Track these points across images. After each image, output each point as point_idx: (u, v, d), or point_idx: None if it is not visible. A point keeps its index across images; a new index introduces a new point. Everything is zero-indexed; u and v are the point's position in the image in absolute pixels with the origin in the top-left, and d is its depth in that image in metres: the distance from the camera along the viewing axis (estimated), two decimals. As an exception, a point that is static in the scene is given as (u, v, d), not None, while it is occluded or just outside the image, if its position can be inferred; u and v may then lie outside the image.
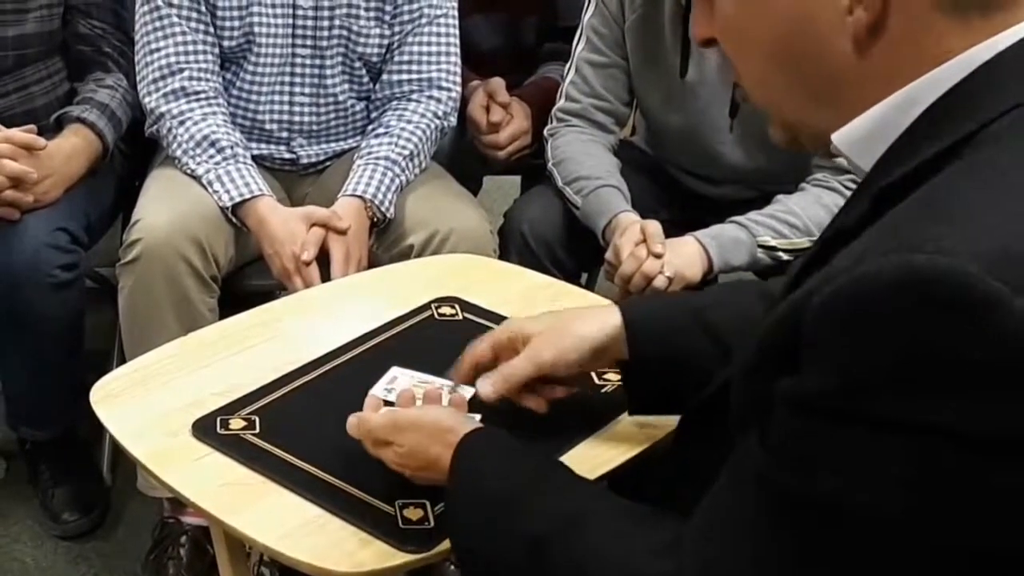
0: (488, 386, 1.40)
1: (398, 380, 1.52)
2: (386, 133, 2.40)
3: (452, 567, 2.20)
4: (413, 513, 1.28)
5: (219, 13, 2.34)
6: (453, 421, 1.28)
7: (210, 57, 2.35)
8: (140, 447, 1.41)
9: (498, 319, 1.69)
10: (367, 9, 2.38)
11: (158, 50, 2.33)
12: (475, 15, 2.75)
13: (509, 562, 1.10)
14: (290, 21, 2.35)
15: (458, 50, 2.47)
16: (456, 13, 2.46)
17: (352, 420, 1.33)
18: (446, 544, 1.24)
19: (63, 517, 2.46)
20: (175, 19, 2.32)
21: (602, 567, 1.03)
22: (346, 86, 2.44)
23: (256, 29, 2.34)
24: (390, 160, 2.34)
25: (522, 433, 1.26)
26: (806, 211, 2.22)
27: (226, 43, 2.36)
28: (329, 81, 2.42)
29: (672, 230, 2.23)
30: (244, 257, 2.33)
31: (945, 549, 0.84)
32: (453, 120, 2.48)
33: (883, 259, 0.82)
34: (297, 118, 2.44)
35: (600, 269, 2.49)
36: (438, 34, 2.44)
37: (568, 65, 2.49)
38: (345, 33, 2.39)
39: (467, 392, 1.42)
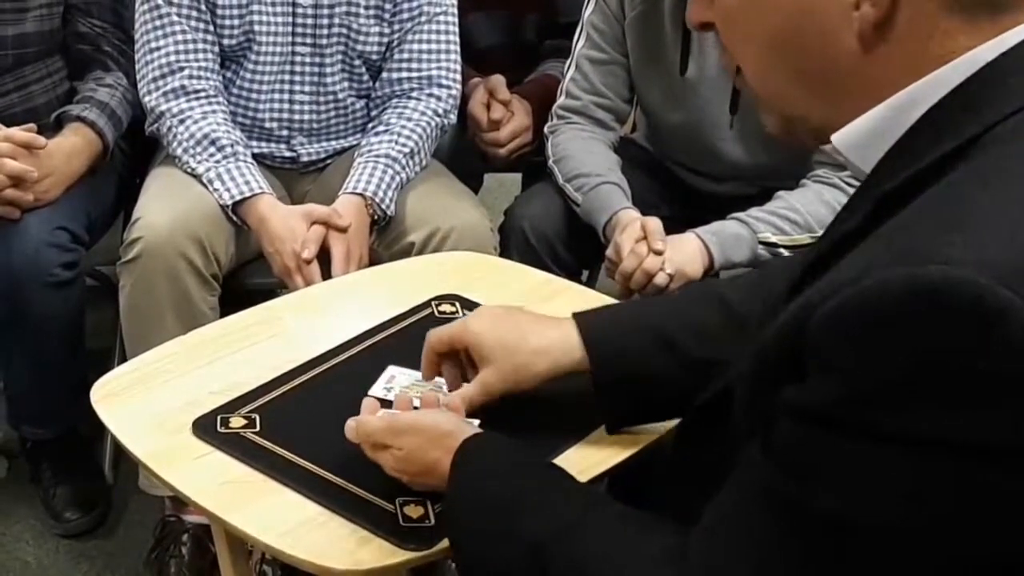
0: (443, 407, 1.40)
1: (396, 379, 1.52)
2: (386, 131, 2.39)
3: (453, 565, 2.20)
4: (414, 511, 1.28)
5: (219, 12, 2.34)
6: (452, 426, 1.28)
7: (210, 56, 2.35)
8: (141, 446, 1.41)
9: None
10: (367, 7, 2.38)
11: (158, 49, 2.33)
12: (475, 12, 2.75)
13: (509, 568, 1.10)
14: (290, 19, 2.35)
15: (458, 48, 2.47)
16: (456, 11, 2.46)
17: (350, 424, 1.33)
18: (447, 542, 1.24)
19: (65, 516, 2.46)
20: (175, 18, 2.32)
21: (603, 573, 1.03)
22: (346, 84, 2.44)
23: (256, 27, 2.34)
24: (390, 158, 2.34)
25: (519, 435, 1.26)
26: (807, 207, 2.22)
27: (226, 41, 2.36)
28: (329, 79, 2.42)
29: (673, 227, 2.23)
30: (245, 255, 2.33)
31: (952, 561, 0.83)
32: (453, 118, 2.48)
33: (892, 270, 0.81)
34: (297, 116, 2.44)
35: (601, 266, 2.49)
36: (438, 32, 2.43)
37: (568, 62, 2.49)
38: (345, 31, 2.38)
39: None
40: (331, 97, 2.44)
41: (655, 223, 2.18)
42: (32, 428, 2.49)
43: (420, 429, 1.28)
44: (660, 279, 2.13)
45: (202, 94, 2.33)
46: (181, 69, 2.33)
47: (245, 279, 2.38)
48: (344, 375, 1.55)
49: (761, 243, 2.21)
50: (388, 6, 2.40)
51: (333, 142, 2.50)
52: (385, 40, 2.43)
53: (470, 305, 1.73)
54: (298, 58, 2.39)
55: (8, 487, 2.59)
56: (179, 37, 2.33)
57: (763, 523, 0.91)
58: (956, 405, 0.79)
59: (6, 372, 2.40)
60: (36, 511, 2.50)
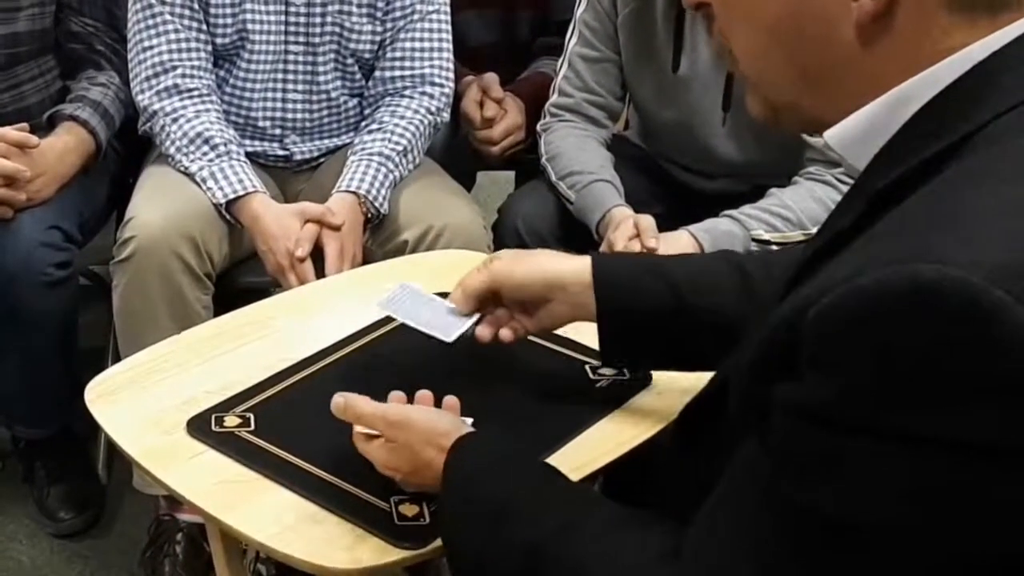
0: (452, 296, 1.49)
1: (404, 297, 1.56)
2: (379, 129, 2.39)
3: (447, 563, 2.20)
4: (409, 509, 1.28)
5: (212, 10, 2.34)
6: (447, 425, 1.28)
7: (203, 55, 2.35)
8: (135, 445, 1.41)
9: (492, 314, 1.69)
10: (359, 6, 2.38)
11: (151, 48, 2.33)
12: (468, 10, 2.75)
13: (504, 569, 1.10)
14: (283, 18, 2.35)
15: (450, 46, 2.47)
16: (448, 9, 2.46)
17: (338, 400, 1.33)
18: (441, 541, 1.24)
19: (59, 515, 2.46)
20: (167, 16, 2.32)
21: (599, 574, 1.03)
22: (339, 83, 2.44)
23: (249, 26, 2.34)
24: (384, 156, 2.34)
25: (514, 432, 1.26)
26: (799, 204, 2.22)
27: (219, 40, 2.36)
28: (322, 78, 2.41)
29: (665, 224, 2.23)
30: (238, 254, 2.33)
31: (949, 559, 0.83)
32: (446, 116, 2.49)
33: (885, 269, 0.81)
34: (290, 115, 2.44)
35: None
36: (430, 30, 2.43)
37: (561, 60, 2.49)
38: (337, 30, 2.38)
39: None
40: (324, 96, 2.44)
41: (648, 220, 2.18)
42: (25, 428, 2.49)
43: (412, 424, 1.28)
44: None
45: (195, 93, 2.33)
46: (174, 68, 2.33)
47: (238, 278, 2.37)
48: (338, 374, 1.55)
49: (754, 240, 2.21)
50: (381, 4, 2.40)
51: (326, 141, 2.50)
52: (378, 39, 2.43)
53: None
54: (291, 57, 2.39)
55: (1, 487, 2.59)
56: (172, 36, 2.33)
57: (759, 521, 0.91)
58: (949, 404, 0.79)
59: (-1, 372, 2.40)
60: (29, 511, 2.50)
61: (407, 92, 2.44)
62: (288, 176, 2.50)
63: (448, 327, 1.47)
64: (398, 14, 2.41)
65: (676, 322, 1.37)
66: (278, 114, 2.43)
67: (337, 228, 2.24)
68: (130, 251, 2.15)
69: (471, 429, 1.28)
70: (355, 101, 2.49)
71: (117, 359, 1.98)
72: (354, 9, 2.38)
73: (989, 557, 0.83)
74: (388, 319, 1.67)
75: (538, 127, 2.51)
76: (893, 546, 0.84)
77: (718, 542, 0.94)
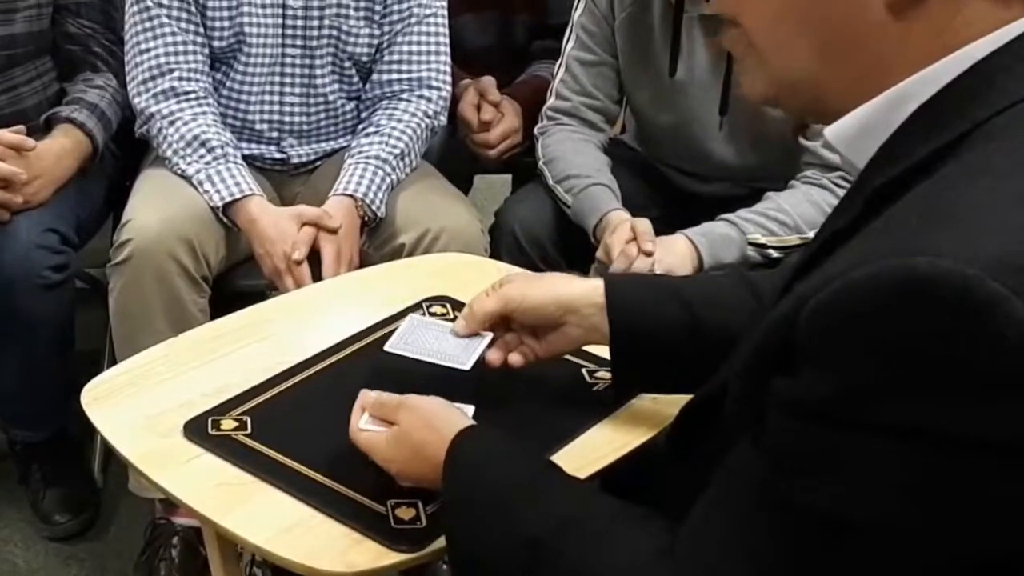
0: (461, 321, 1.46)
1: (415, 333, 1.53)
2: (376, 132, 2.40)
3: (445, 566, 2.20)
4: (405, 512, 1.28)
5: (209, 13, 2.34)
6: (444, 410, 1.28)
7: (200, 57, 2.35)
8: (131, 448, 1.41)
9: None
10: (356, 9, 2.38)
11: (148, 50, 2.33)
12: (465, 14, 2.75)
13: (504, 564, 1.10)
14: (280, 21, 2.35)
15: (448, 49, 2.47)
16: (445, 12, 2.47)
17: (371, 395, 1.34)
18: (438, 544, 1.24)
19: (54, 518, 2.46)
20: (165, 19, 2.32)
21: (597, 571, 1.03)
22: (336, 86, 2.44)
23: (246, 29, 2.34)
24: (381, 159, 2.34)
25: (513, 431, 1.26)
26: (795, 208, 2.23)
27: (216, 43, 2.36)
28: (319, 81, 2.42)
29: (662, 227, 2.23)
30: (235, 257, 2.33)
31: (944, 556, 0.84)
32: (443, 119, 2.49)
33: (882, 263, 0.81)
34: (287, 118, 2.44)
35: (591, 268, 2.49)
36: (427, 33, 2.44)
37: (558, 64, 2.49)
38: (335, 33, 2.39)
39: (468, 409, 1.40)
40: (321, 99, 2.44)
41: (644, 224, 2.18)
42: (21, 430, 2.49)
43: (412, 408, 1.28)
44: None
45: (192, 96, 2.33)
46: (171, 71, 2.33)
47: (235, 281, 2.37)
48: (335, 377, 1.55)
49: (750, 244, 2.21)
50: (378, 7, 2.40)
51: (323, 144, 2.50)
52: (375, 42, 2.43)
53: (461, 306, 1.71)
54: (288, 60, 2.39)
55: (-3, 490, 2.59)
56: (169, 39, 2.33)
57: (753, 519, 0.91)
58: (945, 397, 0.80)
59: (-5, 374, 2.40)
60: (25, 514, 2.50)
61: (404, 95, 2.44)
62: (285, 179, 2.50)
63: (462, 355, 1.46)
64: (395, 17, 2.41)
65: (691, 342, 1.36)
66: (275, 117, 2.43)
67: (334, 231, 2.24)
68: (127, 254, 2.15)
69: (470, 419, 1.28)
70: (352, 104, 2.49)
71: (113, 362, 1.98)
72: (351, 12, 2.38)
73: (985, 553, 0.83)
74: (386, 322, 1.67)
75: (535, 130, 2.51)
76: (888, 542, 0.84)
77: (713, 540, 0.94)
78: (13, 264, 2.19)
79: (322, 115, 2.46)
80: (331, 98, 2.44)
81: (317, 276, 2.21)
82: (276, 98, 2.42)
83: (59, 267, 2.25)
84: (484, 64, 2.74)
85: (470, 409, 1.35)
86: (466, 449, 1.21)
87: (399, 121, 2.41)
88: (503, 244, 2.38)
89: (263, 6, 2.34)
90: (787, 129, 2.28)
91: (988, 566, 0.84)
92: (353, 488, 1.32)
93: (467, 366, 1.44)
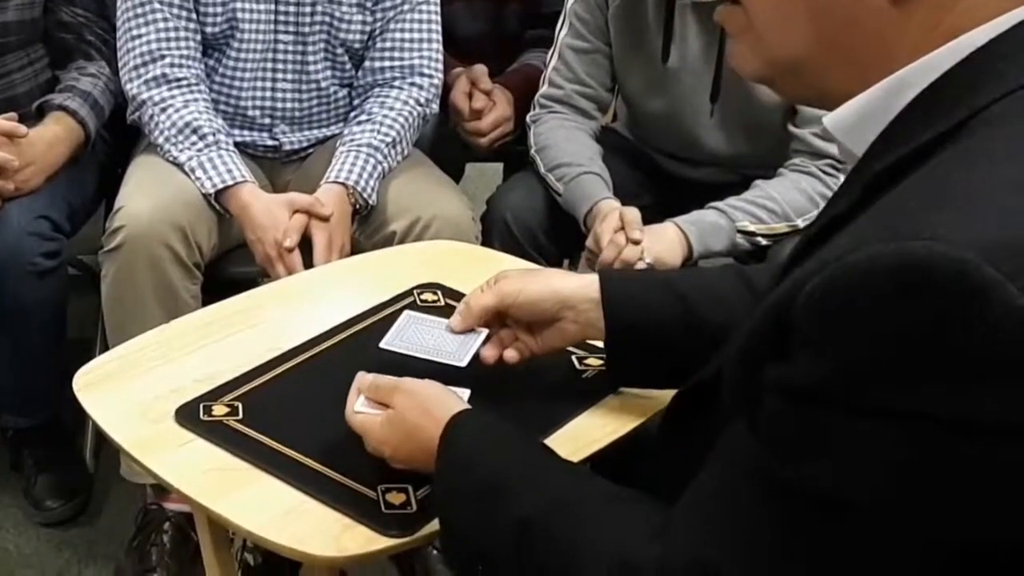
0: (456, 317, 1.45)
1: (411, 329, 1.53)
2: (368, 120, 2.40)
3: (435, 551, 2.21)
4: (395, 498, 1.29)
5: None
6: (438, 392, 1.29)
7: (192, 43, 2.35)
8: (123, 434, 1.41)
9: (480, 305, 1.70)
10: (349, -5, 2.39)
11: (139, 36, 2.33)
12: (457, 2, 2.76)
13: (496, 545, 1.10)
14: (272, 7, 2.35)
15: (439, 37, 2.48)
16: (438, 0, 2.47)
17: (368, 378, 1.34)
18: (428, 528, 1.25)
19: (46, 504, 2.46)
20: (156, 5, 2.32)
21: (589, 551, 1.03)
22: (328, 72, 2.45)
23: (239, 15, 2.34)
24: (372, 147, 2.35)
25: (503, 417, 1.27)
26: (784, 196, 2.24)
27: (209, 29, 2.36)
28: (311, 67, 2.42)
29: (653, 215, 2.24)
30: (227, 244, 2.34)
31: (937, 537, 0.84)
32: (435, 107, 2.49)
33: (878, 247, 0.81)
34: (280, 104, 2.44)
35: (581, 256, 2.50)
36: (419, 21, 2.44)
37: (551, 51, 2.49)
38: (327, 19, 2.39)
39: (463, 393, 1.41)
40: (314, 85, 2.44)
41: (632, 213, 2.19)
42: (13, 416, 2.49)
43: (407, 390, 1.29)
44: (639, 268, 2.15)
45: (184, 82, 2.33)
46: (162, 57, 2.33)
47: (227, 268, 2.38)
48: (326, 363, 1.55)
49: (739, 231, 2.22)
50: (370, -6, 2.41)
51: (315, 131, 2.50)
52: (367, 28, 2.43)
53: (452, 294, 1.73)
54: (280, 46, 2.39)
55: (-11, 476, 2.60)
56: (160, 25, 2.33)
57: (747, 500, 0.91)
58: (939, 381, 0.80)
59: (-12, 361, 2.40)
60: (17, 499, 2.51)
61: (396, 83, 2.45)
62: (277, 166, 2.51)
63: (458, 351, 1.46)
64: (388, 4, 2.41)
65: (687, 336, 1.36)
66: (267, 103, 2.43)
67: (326, 218, 2.25)
68: (119, 240, 2.15)
69: (464, 402, 1.28)
70: (344, 91, 2.50)
71: (105, 349, 1.98)
72: (344, -1, 2.39)
73: (979, 536, 0.84)
74: (375, 309, 1.68)
75: (527, 118, 2.52)
76: (881, 524, 0.84)
77: (705, 520, 0.95)
78: (4, 251, 2.20)
79: (314, 102, 2.46)
80: (323, 84, 2.45)
81: (309, 264, 2.21)
82: (268, 84, 2.42)
83: (51, 254, 2.25)
84: (476, 52, 2.74)
85: (465, 393, 1.35)
86: (461, 432, 1.22)
87: (391, 109, 2.41)
88: (495, 232, 2.38)
89: (256, -8, 2.34)
90: (777, 117, 2.30)
91: (982, 550, 0.84)
92: (344, 473, 1.32)
93: (463, 363, 1.44)
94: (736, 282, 1.40)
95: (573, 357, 1.56)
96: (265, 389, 1.49)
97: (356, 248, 2.32)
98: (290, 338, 1.60)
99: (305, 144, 2.50)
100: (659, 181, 2.52)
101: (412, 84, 2.44)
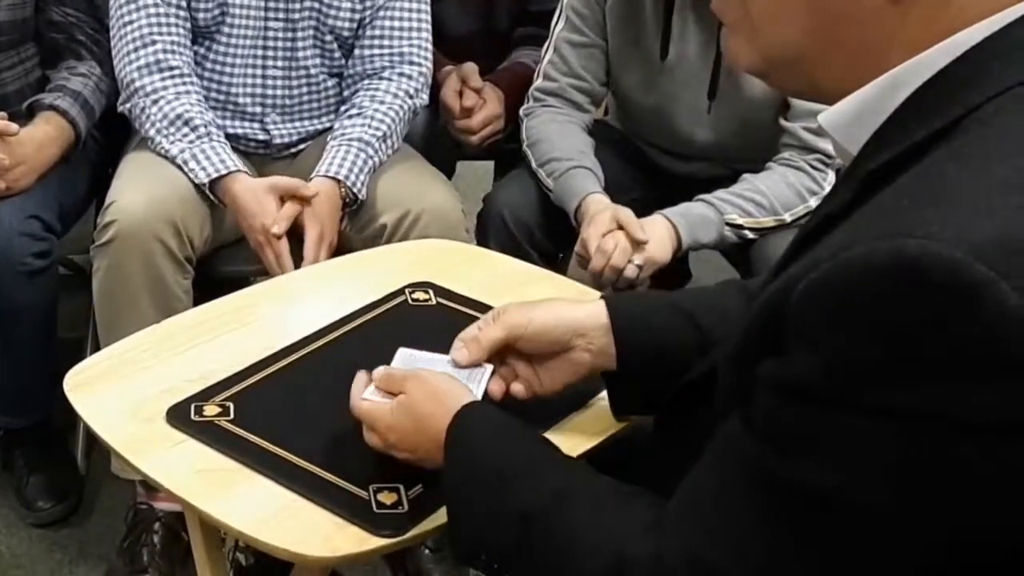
0: (464, 351, 1.38)
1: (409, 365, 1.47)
2: (359, 114, 2.40)
3: (427, 551, 2.21)
4: (387, 497, 1.29)
5: (194, -14, 2.34)
6: (449, 383, 1.29)
7: (182, 31, 2.36)
8: (114, 434, 1.41)
9: (472, 304, 1.70)
10: (338, -17, 2.39)
11: (131, 22, 2.33)
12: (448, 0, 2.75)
13: (498, 538, 1.11)
14: (263, -5, 2.36)
15: (429, 26, 2.48)
16: None
17: (380, 369, 1.34)
18: (420, 528, 1.25)
19: (37, 505, 2.45)
20: None
21: (585, 545, 1.03)
22: (318, 60, 2.44)
23: (230, 2, 2.35)
24: (363, 141, 2.35)
25: (505, 411, 1.27)
26: (772, 190, 2.24)
27: (200, 16, 2.36)
28: (301, 55, 2.41)
29: (644, 207, 2.25)
30: (218, 238, 2.35)
31: (934, 535, 0.84)
32: (424, 97, 2.49)
33: (871, 244, 0.82)
34: (270, 91, 2.43)
35: (573, 255, 2.50)
36: (409, 10, 2.45)
37: (546, 45, 2.49)
38: (316, 6, 2.39)
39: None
40: (303, 73, 2.44)
41: (628, 214, 2.18)
42: (4, 417, 2.48)
43: (421, 379, 1.29)
44: (630, 271, 2.15)
45: (176, 72, 2.33)
46: (154, 42, 2.32)
47: (220, 267, 2.38)
48: (318, 363, 1.55)
49: (728, 225, 2.22)
50: (360, -19, 2.41)
51: (306, 123, 2.50)
52: (357, 16, 2.43)
53: (443, 292, 1.73)
54: (271, 33, 2.39)
55: (-21, 476, 2.59)
56: (152, 10, 2.33)
57: (743, 499, 0.91)
58: (934, 378, 0.80)
59: (-22, 362, 2.39)
60: (8, 500, 2.50)
61: (385, 73, 2.45)
62: (268, 162, 2.50)
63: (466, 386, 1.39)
64: None
65: (699, 358, 1.31)
66: (258, 91, 2.43)
67: (310, 199, 2.25)
68: (111, 235, 2.15)
69: (476, 396, 1.28)
70: (334, 81, 2.49)
71: (96, 349, 1.97)
72: (333, -14, 2.39)
73: (975, 533, 0.84)
74: (367, 308, 1.67)
75: (521, 112, 2.52)
76: (876, 521, 0.84)
77: (699, 517, 0.95)
78: (-5, 251, 2.19)
79: (304, 90, 2.46)
80: (313, 72, 2.44)
81: (298, 255, 2.21)
82: (259, 71, 2.41)
83: (41, 254, 2.24)
84: (466, 51, 2.74)
85: (489, 368, 1.36)
86: (468, 423, 1.22)
87: (381, 103, 2.41)
88: (491, 229, 2.38)
89: (246, -22, 2.35)
90: (770, 113, 2.30)
91: (977, 545, 0.84)
92: (336, 473, 1.32)
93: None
94: (739, 298, 1.38)
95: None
96: (256, 389, 1.49)
97: (345, 243, 2.33)
98: (282, 337, 1.60)
99: (296, 138, 2.50)
100: (649, 175, 2.52)
101: (401, 75, 2.44)
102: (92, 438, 1.53)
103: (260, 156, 2.50)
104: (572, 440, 1.41)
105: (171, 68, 2.33)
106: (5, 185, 2.24)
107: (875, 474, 0.83)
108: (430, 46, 2.49)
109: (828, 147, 2.22)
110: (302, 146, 2.52)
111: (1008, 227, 0.80)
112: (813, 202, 2.24)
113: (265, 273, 2.24)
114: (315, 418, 1.35)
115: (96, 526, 2.46)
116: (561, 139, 2.40)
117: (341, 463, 1.33)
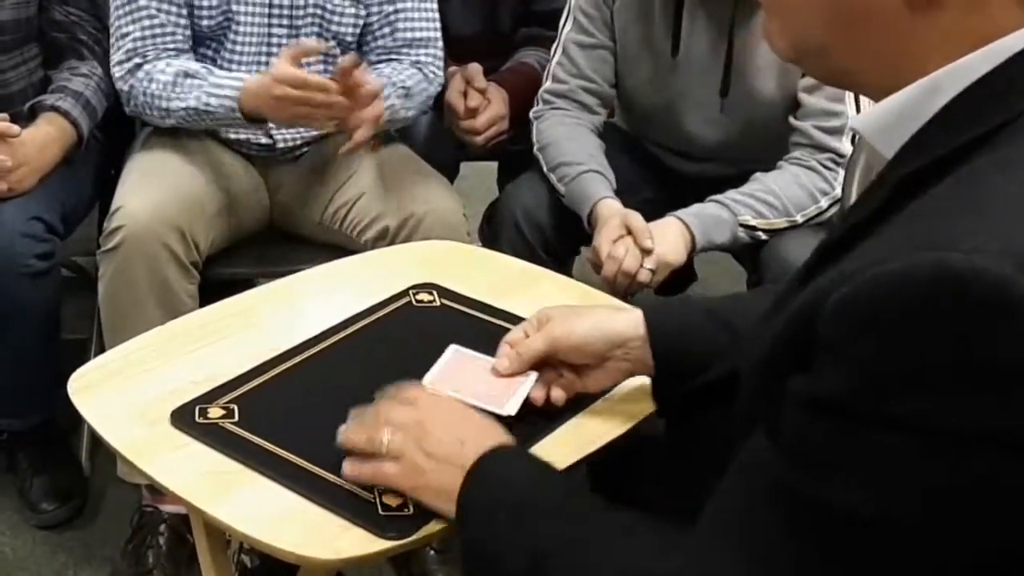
0: (504, 361, 1.43)
1: (449, 364, 1.50)
2: (381, 74, 2.41)
3: (432, 552, 2.21)
4: (392, 500, 1.28)
5: (198, -8, 2.34)
6: (487, 420, 1.28)
7: (180, 37, 2.36)
8: (119, 437, 1.40)
9: (476, 305, 1.69)
10: (341, -13, 2.39)
11: (127, 35, 2.34)
12: (452, 0, 2.75)
13: (510, 567, 1.09)
14: (267, 0, 2.35)
15: (436, 11, 2.49)
16: None
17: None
18: (425, 530, 1.24)
19: (41, 507, 2.45)
20: (143, 2, 2.32)
21: (603, 564, 1.02)
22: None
23: (234, 7, 2.35)
24: (395, 84, 2.37)
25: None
26: (784, 191, 2.23)
27: (205, 22, 2.36)
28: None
29: (656, 208, 2.24)
30: (223, 241, 2.35)
31: (962, 551, 0.83)
32: (440, 77, 2.49)
33: (910, 257, 0.80)
34: (273, 96, 2.43)
35: (580, 255, 2.50)
36: (419, 9, 2.46)
37: (554, 46, 2.49)
38: (319, 11, 2.39)
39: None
40: (307, 79, 2.44)
41: (638, 220, 2.18)
42: (8, 419, 2.48)
43: (456, 408, 1.30)
44: (643, 276, 2.14)
45: (163, 56, 2.34)
46: (146, 56, 2.33)
47: (224, 269, 2.38)
48: (322, 365, 1.55)
49: (741, 226, 2.22)
50: (363, -13, 2.41)
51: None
52: (360, 21, 2.44)
53: (447, 294, 1.73)
54: (275, 39, 2.39)
55: (-17, 478, 2.59)
56: (146, 23, 2.34)
57: (767, 513, 0.90)
58: (973, 395, 0.79)
59: (-19, 363, 2.39)
60: (12, 502, 2.50)
61: (402, 53, 2.46)
62: (271, 165, 2.50)
63: (501, 395, 1.42)
64: None
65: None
66: (261, 96, 2.43)
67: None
68: (117, 240, 2.15)
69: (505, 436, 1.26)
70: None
71: (100, 351, 1.97)
72: (336, -10, 2.39)
73: (1005, 550, 0.83)
74: (371, 310, 1.67)
75: (531, 114, 2.51)
76: (905, 539, 0.83)
77: (724, 533, 0.93)
78: (-2, 252, 2.19)
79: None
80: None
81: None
82: (263, 77, 2.41)
83: (44, 255, 2.24)
84: (470, 51, 2.74)
85: (533, 375, 1.40)
86: (502, 456, 1.20)
87: (404, 71, 2.42)
88: (504, 231, 2.38)
89: (251, -17, 2.34)
90: (779, 111, 2.29)
91: (1007, 562, 0.83)
92: (340, 475, 1.31)
93: (511, 412, 1.40)
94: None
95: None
96: (261, 391, 1.49)
97: (349, 246, 2.34)
98: (286, 339, 1.59)
99: (299, 141, 2.50)
100: (659, 175, 2.52)
101: (415, 62, 2.45)
102: (96, 440, 1.52)
103: (263, 159, 2.50)
104: (576, 443, 1.40)
105: (162, 73, 2.33)
106: (7, 186, 2.24)
107: (907, 491, 0.82)
108: (439, 28, 2.49)
109: (840, 146, 2.22)
110: (305, 149, 2.52)
111: None
112: (824, 202, 2.24)
113: (270, 275, 2.23)
114: (320, 420, 1.35)
115: (101, 528, 2.46)
116: (571, 143, 2.39)
117: (346, 465, 1.32)
